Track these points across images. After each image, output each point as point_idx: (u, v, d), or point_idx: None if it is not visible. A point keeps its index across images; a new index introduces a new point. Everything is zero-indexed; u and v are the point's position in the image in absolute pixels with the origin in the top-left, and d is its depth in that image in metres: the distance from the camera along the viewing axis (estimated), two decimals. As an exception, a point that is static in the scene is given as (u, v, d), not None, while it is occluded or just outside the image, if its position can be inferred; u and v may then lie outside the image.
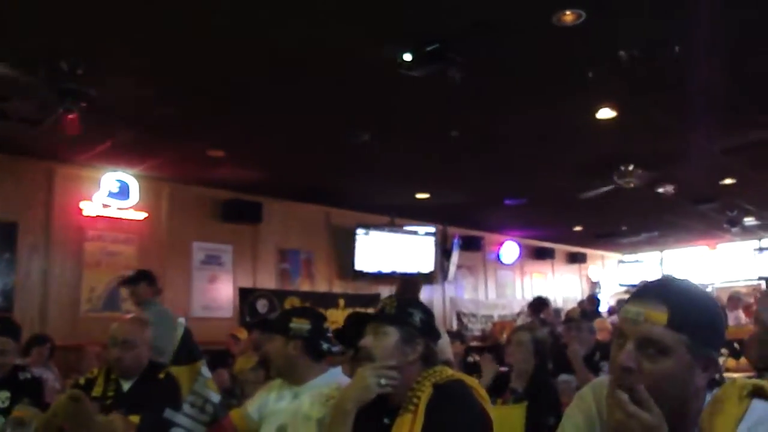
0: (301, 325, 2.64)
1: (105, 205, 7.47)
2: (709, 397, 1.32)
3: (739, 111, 6.22)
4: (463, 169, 8.15)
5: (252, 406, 2.74)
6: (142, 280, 5.91)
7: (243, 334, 7.11)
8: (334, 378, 2.64)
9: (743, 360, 5.89)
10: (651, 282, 1.41)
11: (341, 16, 4.28)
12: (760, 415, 1.24)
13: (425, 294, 10.23)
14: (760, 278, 12.86)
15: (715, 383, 1.35)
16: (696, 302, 1.32)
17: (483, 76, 5.18)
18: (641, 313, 1.29)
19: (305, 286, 9.60)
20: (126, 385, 3.02)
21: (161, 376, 2.65)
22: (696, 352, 1.26)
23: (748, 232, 13.40)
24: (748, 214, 11.60)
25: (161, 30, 4.37)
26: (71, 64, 4.60)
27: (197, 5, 4.09)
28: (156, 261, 7.87)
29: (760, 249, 14.30)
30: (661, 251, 16.09)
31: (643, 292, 1.35)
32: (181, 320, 1.90)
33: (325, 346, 2.65)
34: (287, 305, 8.91)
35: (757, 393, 1.28)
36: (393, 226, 10.65)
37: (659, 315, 1.26)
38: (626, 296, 10.95)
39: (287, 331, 2.64)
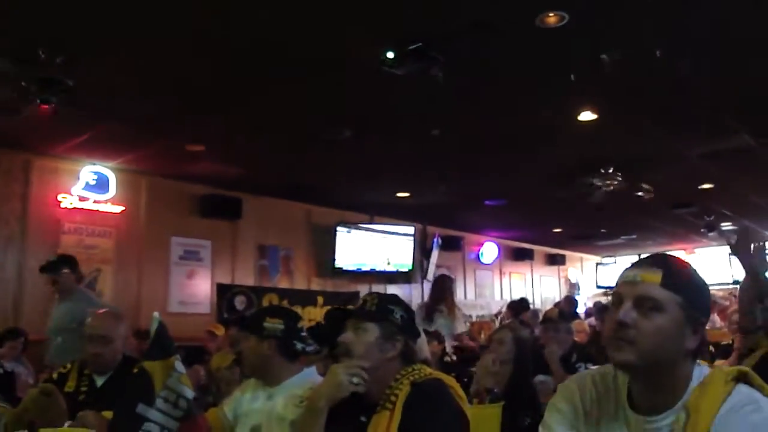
0: (274, 324, 2.62)
1: (82, 198, 7.37)
2: (695, 382, 1.41)
3: (718, 117, 6.27)
4: (444, 169, 8.15)
5: (227, 406, 2.73)
6: (63, 266, 5.20)
7: (220, 331, 7.07)
8: (308, 378, 2.62)
9: (717, 363, 5.95)
10: (646, 255, 1.55)
11: (324, 13, 4.25)
12: (741, 398, 1.34)
13: (403, 293, 10.26)
14: (735, 282, 12.98)
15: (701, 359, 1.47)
16: (686, 269, 1.48)
17: (466, 75, 5.17)
18: (638, 274, 1.44)
19: (284, 283, 9.56)
20: (99, 381, 2.99)
21: (135, 371, 2.62)
22: (687, 312, 1.39)
23: (724, 237, 13.53)
24: (724, 219, 11.73)
25: (143, 22, 4.30)
26: (49, 53, 4.52)
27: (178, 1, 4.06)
28: (133, 255, 7.81)
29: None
30: (639, 255, 16.20)
31: (639, 262, 1.51)
32: (156, 314, 1.87)
33: (299, 346, 2.63)
34: (265, 302, 8.87)
35: (742, 378, 1.39)
36: (373, 224, 10.66)
37: (654, 276, 1.41)
38: (604, 298, 11.03)
39: (261, 331, 2.61)
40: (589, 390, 1.55)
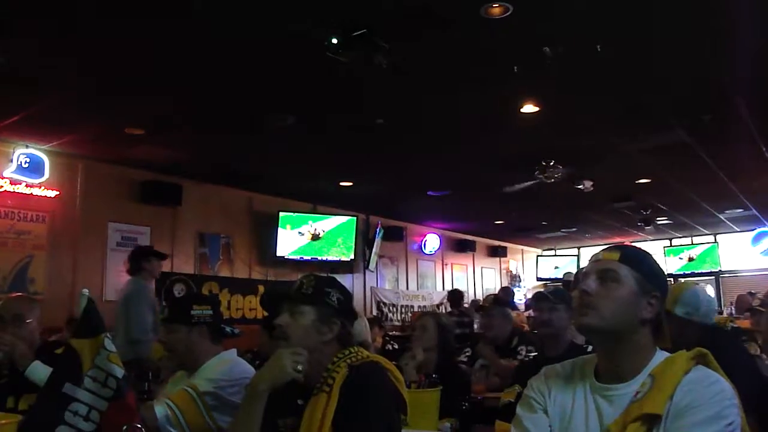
0: (203, 311, 2.66)
1: (14, 182, 7.11)
2: (660, 358, 1.58)
3: (656, 113, 6.42)
4: (388, 158, 8.16)
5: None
6: None
7: (158, 318, 6.93)
8: (224, 358, 2.68)
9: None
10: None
11: (269, -5, 4.20)
12: (702, 373, 1.52)
13: (345, 282, 10.24)
14: (669, 276, 13.39)
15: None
16: (642, 252, 1.71)
17: (410, 64, 5.16)
18: (601, 254, 1.70)
19: (224, 272, 9.45)
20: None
21: (58, 351, 2.55)
22: (641, 286, 1.61)
23: (660, 232, 13.95)
24: (660, 213, 12.06)
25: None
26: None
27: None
28: (68, 241, 7.60)
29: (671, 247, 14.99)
30: (578, 248, 16.56)
31: (604, 248, 1.75)
32: (85, 291, 1.82)
33: (228, 329, 2.69)
34: (205, 290, 8.77)
35: (701, 359, 1.56)
36: (316, 213, 10.62)
37: (614, 254, 1.66)
38: (544, 289, 11.23)
39: (189, 319, 2.64)
40: (557, 372, 1.72)
